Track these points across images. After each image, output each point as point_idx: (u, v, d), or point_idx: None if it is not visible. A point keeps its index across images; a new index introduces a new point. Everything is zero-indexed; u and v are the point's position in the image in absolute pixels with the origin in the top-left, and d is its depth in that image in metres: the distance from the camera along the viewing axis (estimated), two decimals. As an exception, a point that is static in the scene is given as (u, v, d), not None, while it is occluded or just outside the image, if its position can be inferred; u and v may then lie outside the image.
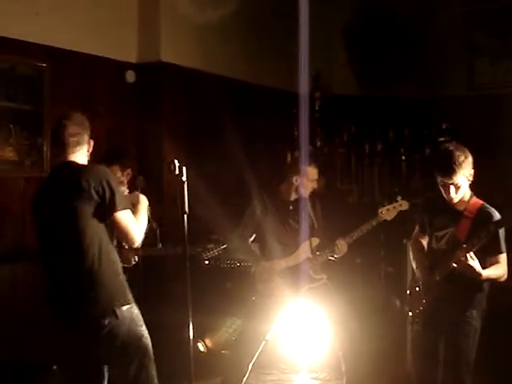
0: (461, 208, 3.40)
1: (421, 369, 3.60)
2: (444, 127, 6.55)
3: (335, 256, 4.26)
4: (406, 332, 4.85)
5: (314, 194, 4.46)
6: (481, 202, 3.44)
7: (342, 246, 4.20)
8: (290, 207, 4.30)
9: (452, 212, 3.42)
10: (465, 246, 3.24)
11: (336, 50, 6.66)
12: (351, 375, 4.38)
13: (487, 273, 3.26)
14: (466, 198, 3.40)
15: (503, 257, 3.34)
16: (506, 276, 3.36)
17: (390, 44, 6.56)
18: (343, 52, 6.70)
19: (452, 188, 3.30)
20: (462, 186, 3.31)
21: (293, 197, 4.31)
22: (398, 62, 6.64)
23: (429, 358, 3.48)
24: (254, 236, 4.32)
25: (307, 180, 4.27)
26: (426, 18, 6.65)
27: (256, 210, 4.27)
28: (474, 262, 3.20)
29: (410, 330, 4.65)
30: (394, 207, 4.23)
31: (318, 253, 4.28)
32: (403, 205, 4.24)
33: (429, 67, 6.67)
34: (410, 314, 3.61)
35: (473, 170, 3.35)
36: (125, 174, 4.24)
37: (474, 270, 3.21)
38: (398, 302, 5.56)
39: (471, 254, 3.21)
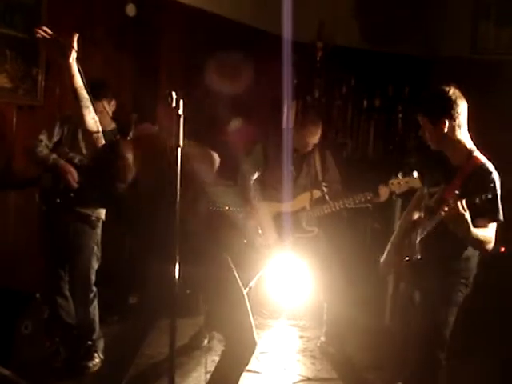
0: (456, 164, 2.99)
1: (399, 326, 3.48)
2: (443, 88, 6.48)
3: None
4: (387, 288, 4.92)
5: (323, 147, 4.42)
6: (483, 160, 2.95)
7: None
8: (297, 157, 4.27)
9: (447, 168, 3.02)
10: (457, 192, 2.79)
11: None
12: (331, 325, 4.46)
13: (476, 231, 2.81)
14: (463, 152, 2.97)
15: (493, 225, 2.91)
16: (491, 245, 2.92)
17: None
18: (350, 2, 6.56)
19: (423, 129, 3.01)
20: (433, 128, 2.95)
21: (305, 147, 4.28)
22: (404, 18, 6.52)
23: (407, 317, 3.28)
24: (256, 175, 4.33)
25: (309, 135, 4.23)
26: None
27: (259, 154, 4.30)
28: (465, 212, 2.75)
29: (392, 286, 4.74)
30: (407, 182, 3.80)
31: (315, 206, 4.27)
32: (416, 182, 3.65)
33: (433, 26, 6.57)
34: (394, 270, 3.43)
35: (463, 117, 2.96)
36: (111, 105, 4.00)
37: (464, 221, 2.76)
38: (381, 258, 5.61)
39: (463, 202, 2.75)
